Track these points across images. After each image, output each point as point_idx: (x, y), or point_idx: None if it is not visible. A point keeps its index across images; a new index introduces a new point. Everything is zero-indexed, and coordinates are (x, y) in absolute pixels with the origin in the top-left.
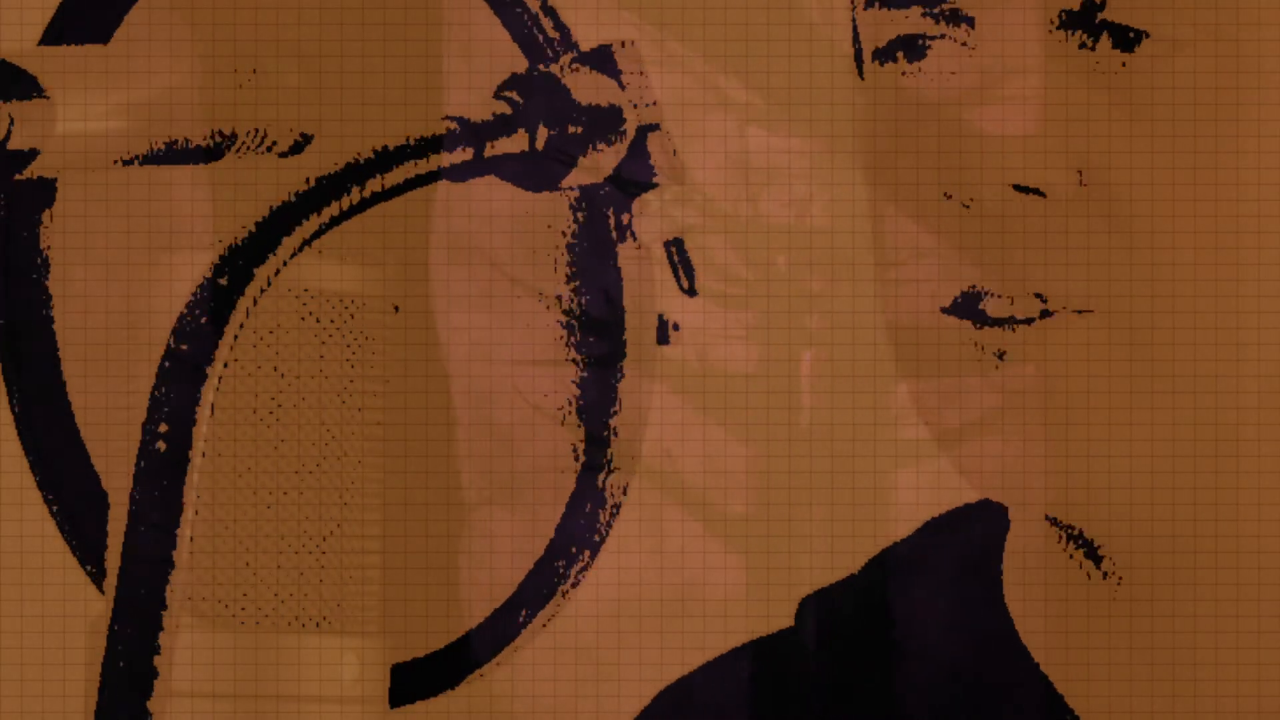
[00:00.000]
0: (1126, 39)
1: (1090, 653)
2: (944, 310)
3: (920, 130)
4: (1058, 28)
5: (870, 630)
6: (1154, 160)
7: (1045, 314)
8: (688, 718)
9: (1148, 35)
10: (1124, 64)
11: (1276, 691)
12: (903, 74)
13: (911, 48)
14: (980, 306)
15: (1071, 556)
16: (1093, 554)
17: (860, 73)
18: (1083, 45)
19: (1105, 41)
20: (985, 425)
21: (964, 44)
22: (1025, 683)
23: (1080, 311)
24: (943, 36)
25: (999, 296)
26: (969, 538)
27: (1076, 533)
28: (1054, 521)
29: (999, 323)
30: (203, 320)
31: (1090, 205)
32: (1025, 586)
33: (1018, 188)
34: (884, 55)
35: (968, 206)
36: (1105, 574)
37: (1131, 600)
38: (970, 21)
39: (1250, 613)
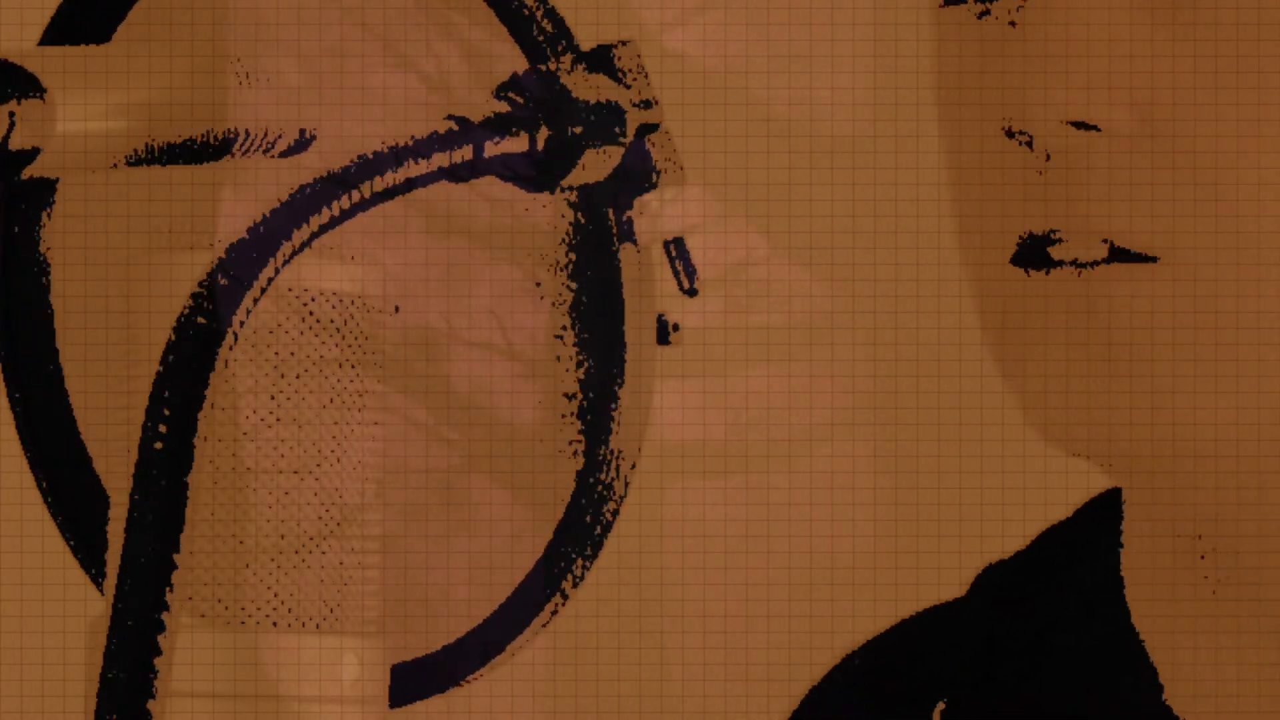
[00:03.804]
0: None
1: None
2: (1011, 261)
3: (988, 65)
4: None
5: (1038, 603)
6: (1218, 97)
7: (1115, 254)
8: (858, 687)
9: None
10: None
11: None
12: (979, 15)
13: None
14: (1047, 250)
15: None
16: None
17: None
18: None
19: None
20: (1070, 383)
21: None
22: (1140, 682)
23: (1147, 258)
24: None
25: (1064, 241)
26: (1104, 528)
27: (1164, 503)
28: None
29: (1055, 262)
30: (203, 320)
31: (1154, 143)
32: (1135, 570)
33: (1075, 124)
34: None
35: (1028, 144)
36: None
37: (1239, 599)
38: None
39: None
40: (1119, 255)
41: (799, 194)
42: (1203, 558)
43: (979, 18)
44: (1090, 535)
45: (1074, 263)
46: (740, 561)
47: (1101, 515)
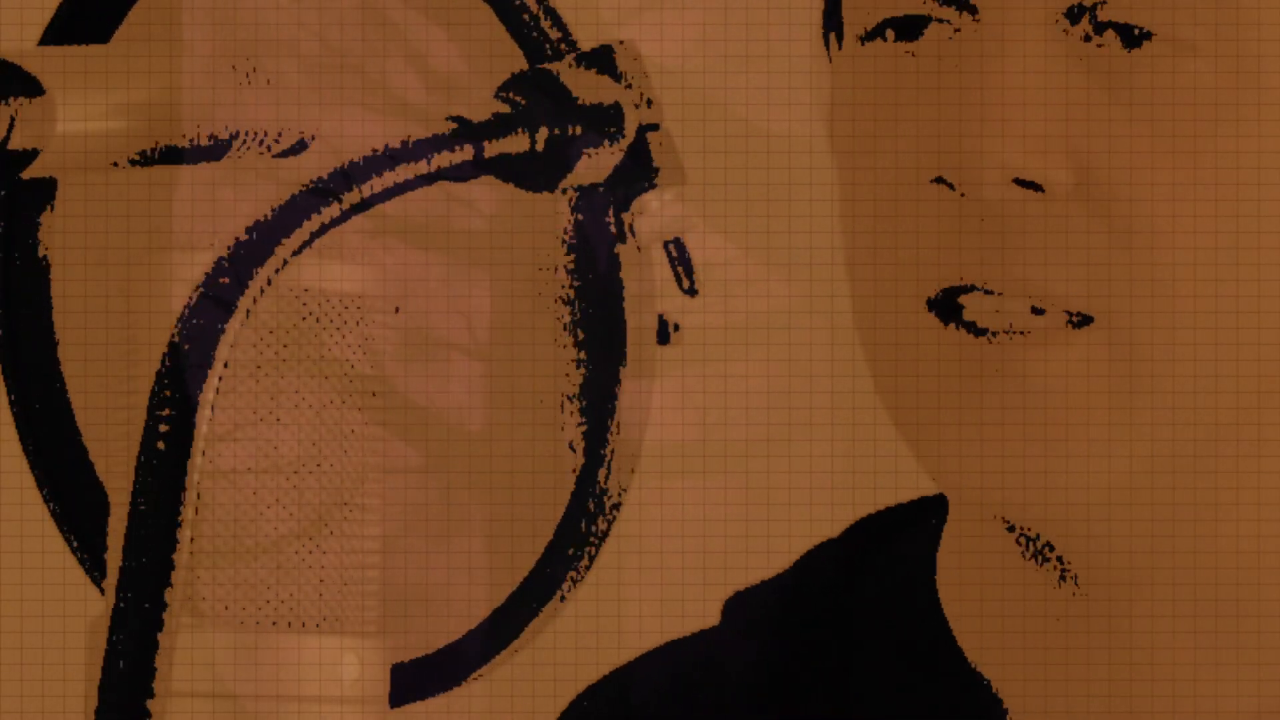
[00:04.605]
0: (1131, 36)
1: (1032, 653)
2: (928, 302)
3: (913, 113)
4: (1062, 17)
5: (798, 630)
6: (1154, 160)
7: (1035, 312)
8: (613, 716)
9: (1150, 37)
10: (1128, 62)
11: (1234, 707)
12: (897, 55)
13: (905, 29)
14: (960, 300)
15: (1039, 563)
16: (1047, 559)
17: (829, 54)
18: (1087, 38)
19: (1110, 39)
20: (952, 423)
21: (957, 30)
22: (962, 688)
23: (1069, 314)
24: (943, 21)
25: (987, 293)
26: (903, 538)
27: (1034, 537)
28: (1010, 525)
29: (981, 330)
30: (203, 320)
31: (1089, 205)
32: (963, 587)
33: (1017, 181)
34: (872, 35)
35: (964, 195)
36: (1063, 576)
37: (1089, 616)
38: (973, 10)
39: (1215, 628)
40: (1039, 313)
41: (759, 194)
42: (1034, 556)
43: (898, 58)
44: (879, 554)
45: (995, 312)
46: (740, 561)
47: (897, 531)
